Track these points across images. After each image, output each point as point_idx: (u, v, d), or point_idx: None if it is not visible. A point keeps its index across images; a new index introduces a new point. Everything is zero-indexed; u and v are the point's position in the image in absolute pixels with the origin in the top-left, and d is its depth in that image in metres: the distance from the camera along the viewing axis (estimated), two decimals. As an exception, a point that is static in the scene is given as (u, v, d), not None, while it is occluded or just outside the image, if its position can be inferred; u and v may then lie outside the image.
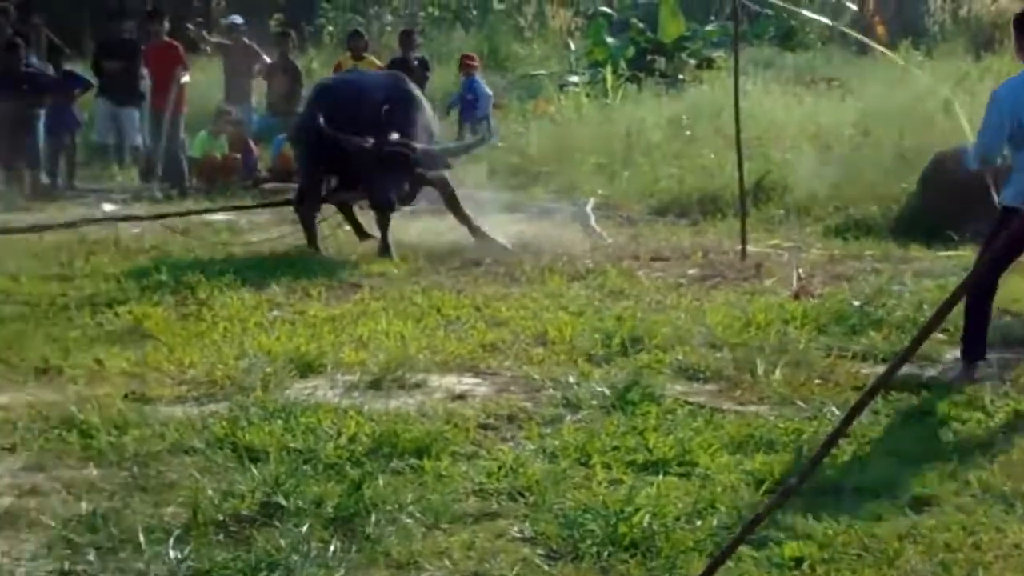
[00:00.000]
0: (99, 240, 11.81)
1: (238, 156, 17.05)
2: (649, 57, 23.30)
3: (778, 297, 9.34)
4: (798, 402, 6.78)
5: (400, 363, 7.36)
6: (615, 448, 5.97)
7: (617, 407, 6.60)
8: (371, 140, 11.00)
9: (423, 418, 6.41)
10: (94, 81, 17.65)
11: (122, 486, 5.44)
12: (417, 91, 12.17)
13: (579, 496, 5.36)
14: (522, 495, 5.41)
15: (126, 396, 6.74)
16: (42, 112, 16.79)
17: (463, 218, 11.78)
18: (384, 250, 11.17)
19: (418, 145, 11.17)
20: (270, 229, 13.08)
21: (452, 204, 11.88)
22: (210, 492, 5.31)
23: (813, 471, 4.49)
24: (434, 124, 12.23)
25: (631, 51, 23.12)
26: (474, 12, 31.75)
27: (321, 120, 11.01)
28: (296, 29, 23.01)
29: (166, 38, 17.74)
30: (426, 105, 12.09)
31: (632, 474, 5.65)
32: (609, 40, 23.46)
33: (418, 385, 7.12)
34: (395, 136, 11.08)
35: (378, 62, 19.00)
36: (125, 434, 6.06)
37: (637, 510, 5.11)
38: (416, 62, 19.09)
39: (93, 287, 9.41)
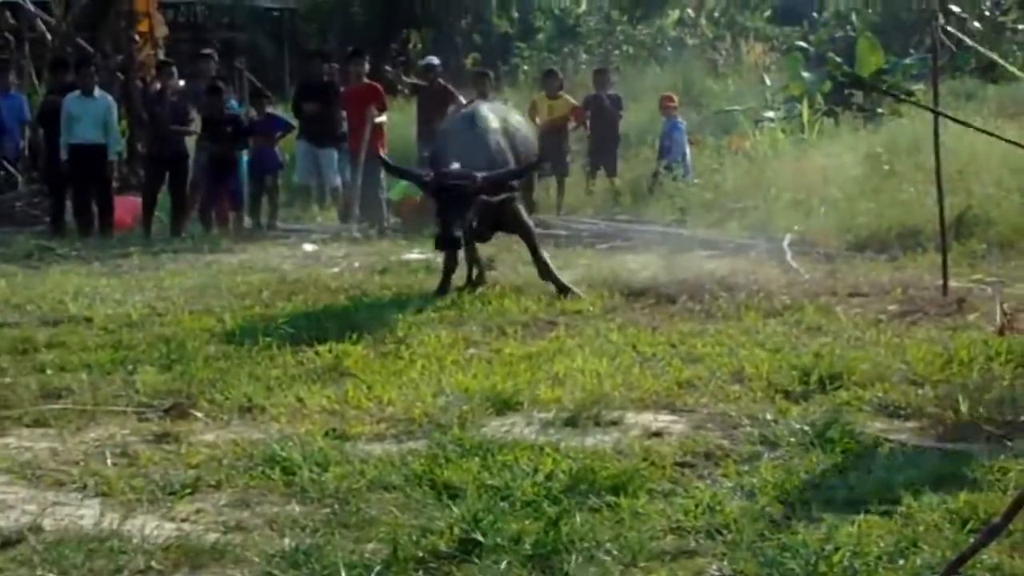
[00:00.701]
0: (299, 279, 12.09)
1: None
2: (847, 91, 23.01)
3: (981, 333, 9.13)
4: (1004, 440, 6.61)
5: (596, 400, 7.37)
6: (814, 486, 5.89)
7: (816, 445, 6.51)
8: (431, 173, 10.78)
9: (619, 455, 6.40)
10: (295, 123, 18.10)
11: (323, 522, 5.54)
12: (491, 118, 11.50)
13: (778, 534, 5.29)
14: (720, 533, 5.36)
15: (327, 433, 6.86)
16: (245, 154, 17.29)
17: (539, 261, 11.45)
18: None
19: (478, 174, 10.61)
20: (464, 268, 13.24)
21: (529, 244, 11.54)
22: (409, 529, 5.38)
23: (1019, 510, 4.37)
24: (520, 148, 11.54)
25: (828, 85, 22.87)
26: (668, 49, 31.79)
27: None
28: (491, 69, 23.29)
29: (365, 80, 18.11)
30: (499, 131, 11.38)
31: (832, 513, 5.56)
32: (805, 75, 23.23)
33: (614, 422, 7.11)
34: (455, 166, 10.67)
35: (573, 101, 19.13)
36: (326, 471, 6.16)
37: (837, 549, 5.03)
38: (609, 100, 19.17)
39: (294, 326, 9.60)
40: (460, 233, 10.51)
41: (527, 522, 5.43)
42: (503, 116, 11.73)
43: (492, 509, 5.56)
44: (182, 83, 18.04)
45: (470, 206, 10.54)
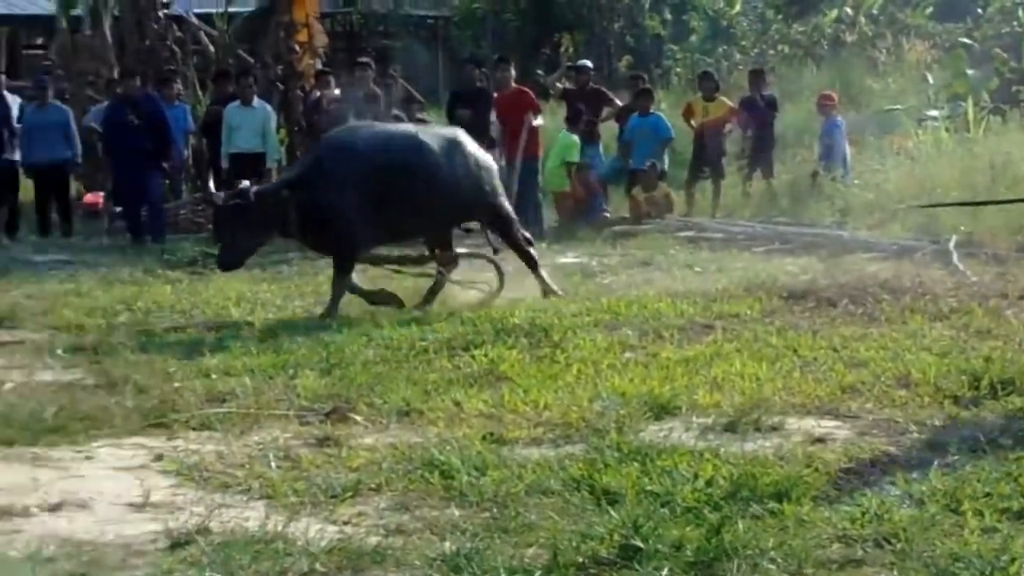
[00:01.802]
0: (456, 284, 12.14)
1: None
2: (1015, 88, 22.48)
3: None
4: None
5: (756, 405, 7.29)
6: (987, 495, 5.73)
7: (988, 452, 6.36)
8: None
9: (781, 462, 6.31)
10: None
11: (483, 526, 5.54)
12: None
13: (949, 544, 5.16)
14: (888, 542, 5.25)
15: (484, 437, 6.88)
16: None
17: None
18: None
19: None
20: (619, 271, 13.22)
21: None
22: (569, 534, 5.35)
23: None
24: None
25: (994, 82, 22.36)
26: (825, 47, 31.36)
27: None
28: (644, 71, 23.23)
29: (516, 84, 18.17)
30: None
31: (1007, 522, 5.41)
32: (969, 72, 22.75)
33: (775, 428, 7.02)
34: None
35: (729, 102, 18.98)
36: (484, 475, 6.17)
37: (1013, 560, 4.90)
38: (764, 101, 18.99)
39: (450, 331, 9.66)
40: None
41: (688, 528, 5.37)
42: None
43: (652, 515, 5.52)
44: (338, 91, 18.27)
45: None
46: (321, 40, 21.19)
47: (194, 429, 7.25)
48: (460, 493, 5.96)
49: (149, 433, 7.15)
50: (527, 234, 11.91)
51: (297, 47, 20.57)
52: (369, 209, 10.73)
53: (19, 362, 9.19)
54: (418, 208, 10.97)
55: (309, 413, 7.50)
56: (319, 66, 20.07)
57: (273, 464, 6.45)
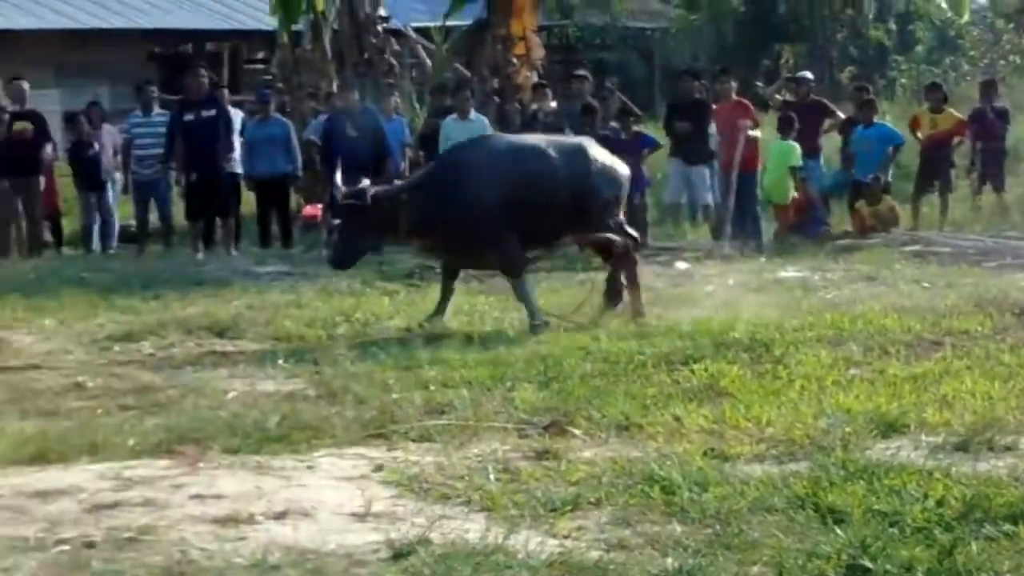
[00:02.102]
0: (672, 298, 12.10)
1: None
2: None
3: None
4: None
5: (988, 424, 7.08)
6: None
7: None
8: None
9: (1016, 482, 6.12)
10: (664, 141, 18.18)
11: (706, 543, 5.49)
12: None
13: None
14: None
15: (705, 453, 6.82)
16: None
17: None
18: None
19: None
20: (843, 286, 13.00)
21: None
22: (794, 552, 5.27)
23: None
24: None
25: None
26: (1059, 57, 30.49)
27: None
28: (868, 83, 22.85)
29: (735, 96, 18.04)
30: None
31: None
32: None
33: (1009, 448, 6.82)
34: None
35: (957, 115, 18.55)
36: (706, 491, 6.11)
37: None
38: (994, 113, 18.52)
39: (669, 345, 9.60)
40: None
41: (918, 549, 5.25)
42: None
43: (880, 535, 5.41)
44: (554, 104, 18.37)
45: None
46: (538, 53, 21.36)
47: (413, 440, 7.33)
48: (681, 509, 5.91)
49: (369, 444, 7.26)
50: (634, 232, 11.85)
51: (515, 60, 20.77)
52: (491, 215, 10.87)
53: (242, 372, 9.42)
54: (539, 216, 11.05)
55: (528, 426, 7.53)
56: (536, 79, 20.22)
57: (492, 476, 6.48)
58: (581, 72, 19.36)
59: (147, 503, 6.04)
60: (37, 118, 18.17)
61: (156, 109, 18.93)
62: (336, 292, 12.82)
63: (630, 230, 11.76)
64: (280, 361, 9.62)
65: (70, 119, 19.68)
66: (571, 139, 12.23)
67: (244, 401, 8.41)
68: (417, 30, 23.97)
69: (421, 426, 7.53)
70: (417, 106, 21.71)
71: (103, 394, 8.82)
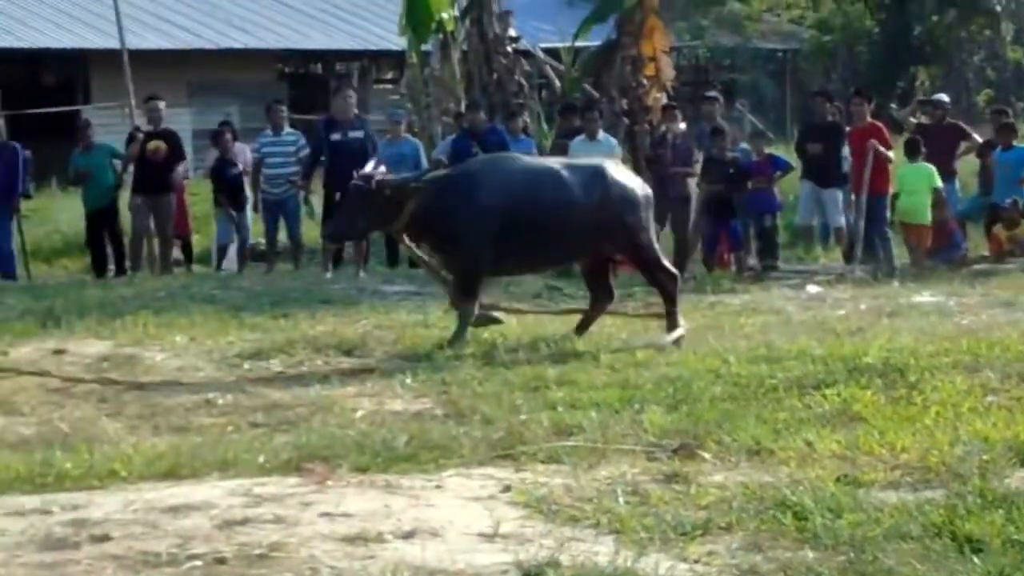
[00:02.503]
0: (803, 321, 11.99)
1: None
2: None
3: None
4: None
5: None
6: None
7: None
8: None
9: None
10: (795, 163, 18.06)
11: (839, 570, 5.43)
12: None
13: None
14: None
15: (838, 479, 6.73)
16: (744, 195, 17.41)
17: None
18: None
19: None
20: (979, 312, 12.80)
21: None
22: (931, 582, 5.21)
23: None
24: None
25: None
26: None
27: None
28: (1007, 105, 22.54)
29: (869, 119, 17.87)
30: None
31: None
32: None
33: None
34: None
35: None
36: (839, 517, 6.04)
37: None
38: None
39: (800, 369, 9.51)
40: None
41: (1061, 581, 5.15)
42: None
43: (1019, 565, 5.32)
44: (683, 125, 18.33)
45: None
46: (668, 74, 21.33)
47: (541, 462, 7.33)
48: (814, 535, 5.85)
49: (497, 464, 7.28)
50: (672, 269, 11.85)
51: (644, 81, 20.75)
52: (490, 232, 11.04)
53: (370, 391, 9.51)
54: (544, 238, 11.23)
55: (656, 449, 7.49)
56: (665, 100, 20.19)
57: (621, 499, 6.46)
58: (712, 93, 19.32)
59: (277, 520, 6.12)
60: (171, 137, 18.58)
61: (286, 128, 19.23)
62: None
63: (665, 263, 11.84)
64: (408, 380, 9.69)
65: (215, 136, 19.97)
66: (591, 161, 12.25)
67: (372, 420, 8.49)
68: (546, 51, 24.05)
69: (549, 447, 7.53)
70: (545, 127, 21.76)
71: (233, 411, 9.00)
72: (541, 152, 19.47)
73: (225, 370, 10.45)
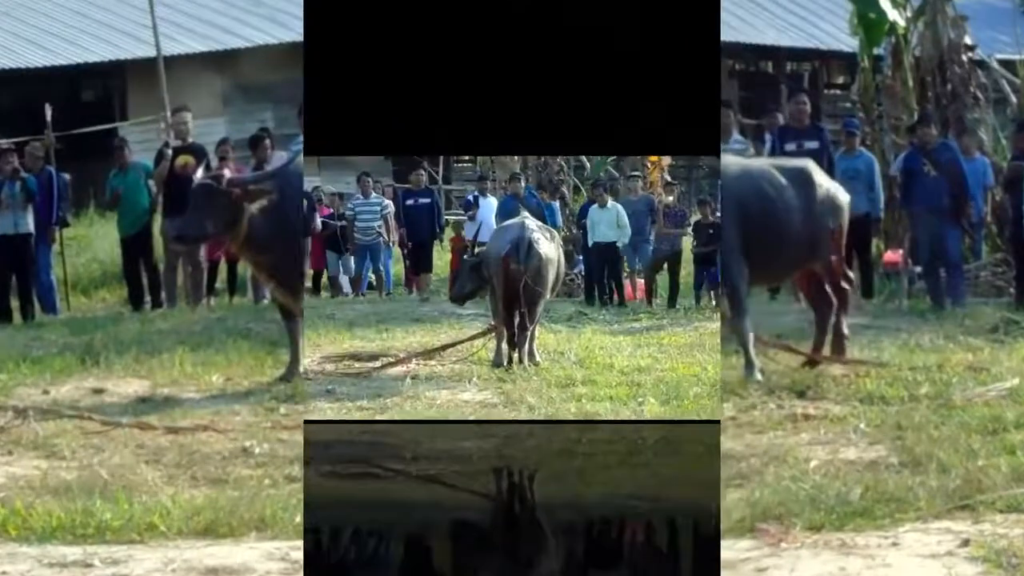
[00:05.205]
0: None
1: None
2: None
3: None
4: None
5: None
6: None
7: None
8: None
9: None
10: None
11: None
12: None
13: None
14: None
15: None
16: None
17: None
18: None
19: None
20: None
21: None
22: None
23: None
24: None
25: None
26: None
27: None
28: None
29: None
30: None
31: None
32: None
33: None
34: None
35: None
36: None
37: None
38: None
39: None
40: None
41: None
42: None
43: None
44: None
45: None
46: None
47: (1000, 511, 7.35)
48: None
49: (955, 516, 7.31)
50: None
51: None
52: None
53: (823, 438, 9.44)
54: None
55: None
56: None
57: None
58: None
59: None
60: (199, 152, 17.66)
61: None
62: (918, 348, 12.67)
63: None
64: (861, 425, 9.63)
65: (253, 142, 18.12)
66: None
67: (827, 470, 8.43)
68: (1001, 62, 23.37)
69: (1008, 495, 7.51)
70: (1005, 143, 21.06)
71: (269, 462, 9.24)
72: (997, 172, 19.01)
73: (261, 414, 10.66)
